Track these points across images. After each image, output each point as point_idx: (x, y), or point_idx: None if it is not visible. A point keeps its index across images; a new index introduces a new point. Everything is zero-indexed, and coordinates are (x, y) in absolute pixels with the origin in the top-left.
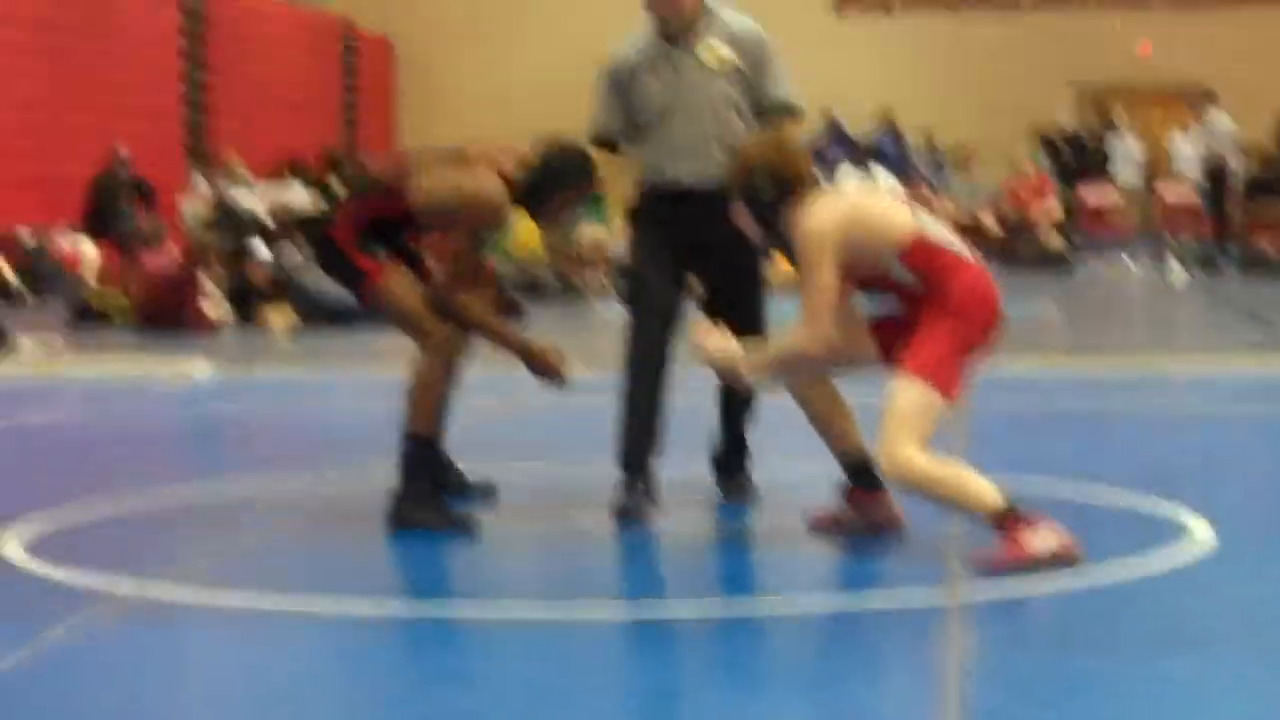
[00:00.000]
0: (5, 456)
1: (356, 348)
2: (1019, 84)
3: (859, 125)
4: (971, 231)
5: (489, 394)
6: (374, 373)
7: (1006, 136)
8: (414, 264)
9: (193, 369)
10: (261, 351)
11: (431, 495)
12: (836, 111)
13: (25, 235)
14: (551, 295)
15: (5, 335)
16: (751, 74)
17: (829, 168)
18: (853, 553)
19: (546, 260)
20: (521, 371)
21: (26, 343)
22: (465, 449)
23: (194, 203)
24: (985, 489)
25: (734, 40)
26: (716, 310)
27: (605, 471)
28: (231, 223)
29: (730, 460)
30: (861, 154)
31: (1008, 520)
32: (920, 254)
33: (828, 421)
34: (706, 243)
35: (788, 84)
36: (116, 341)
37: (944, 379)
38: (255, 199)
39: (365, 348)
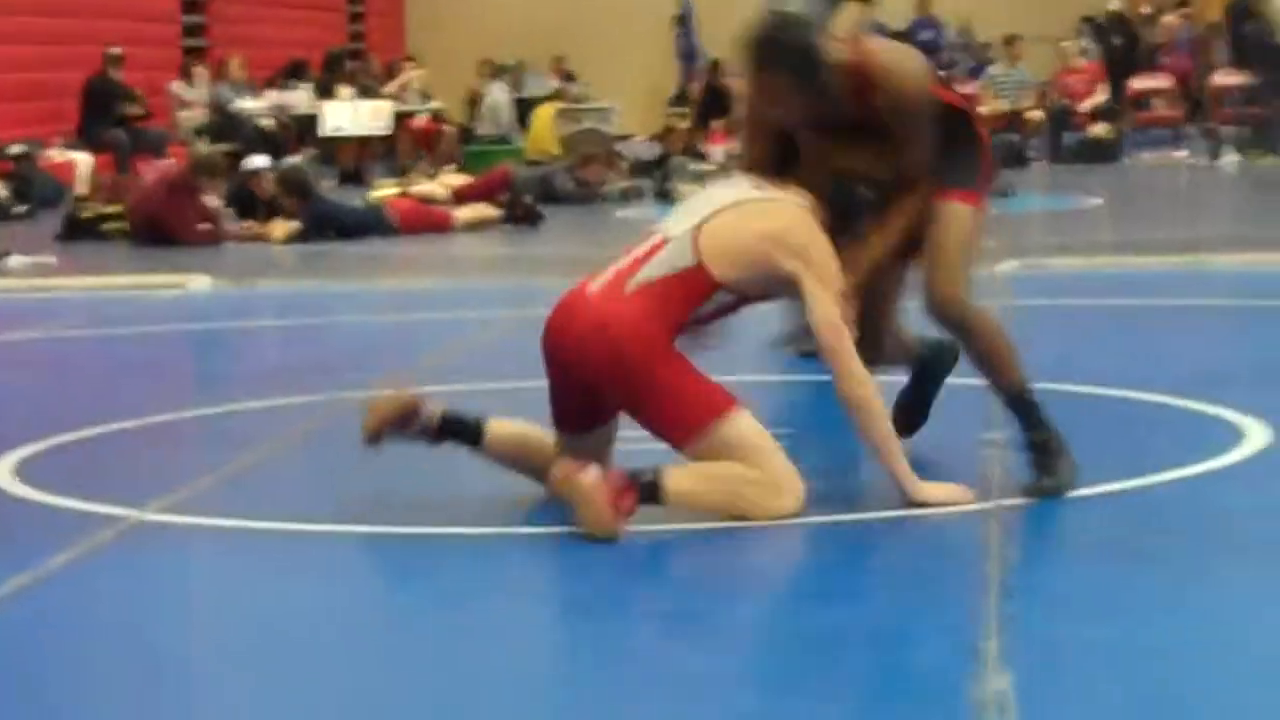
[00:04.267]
0: None
1: (363, 260)
2: None
3: (893, 15)
4: (1014, 123)
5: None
6: (380, 286)
7: (1052, 25)
8: None
9: (191, 282)
10: (263, 264)
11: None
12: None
13: (15, 146)
14: (568, 199)
15: None
16: None
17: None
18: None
19: (564, 161)
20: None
21: (15, 258)
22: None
23: (191, 111)
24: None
25: None
26: None
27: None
28: (233, 130)
29: None
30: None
31: None
32: None
33: None
34: None
35: None
36: (111, 255)
37: None
38: (257, 105)
39: (372, 260)
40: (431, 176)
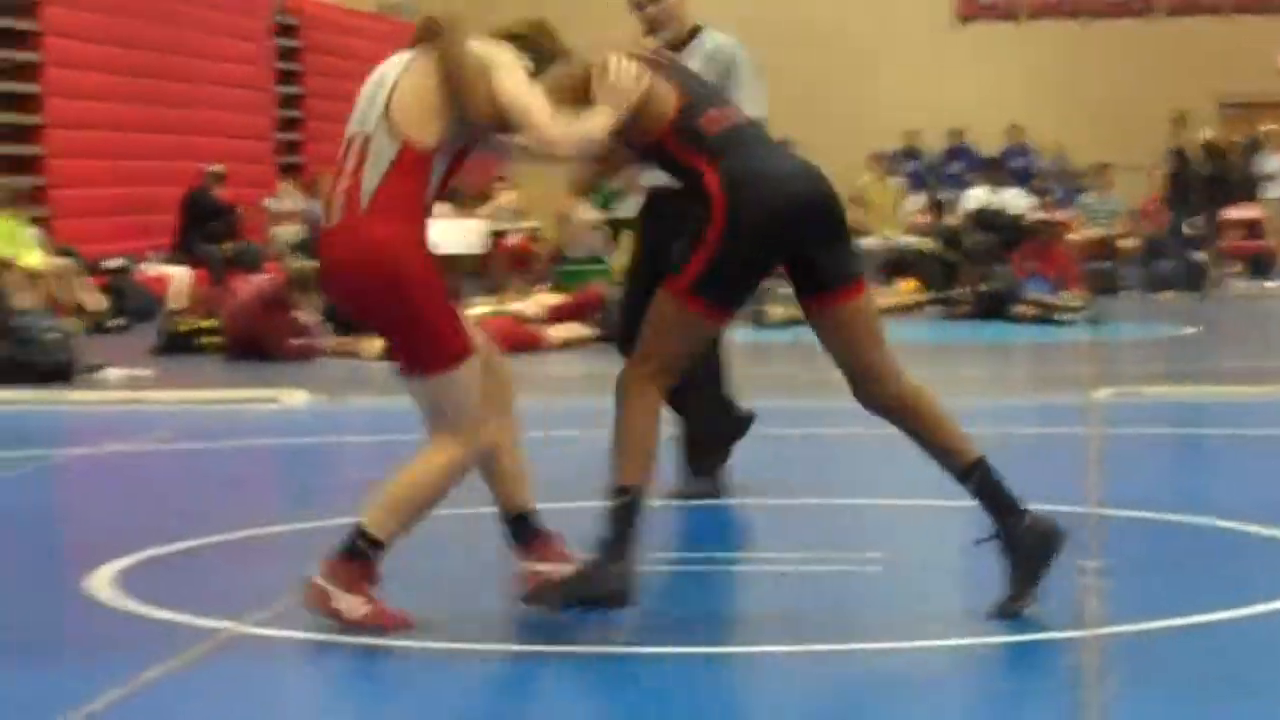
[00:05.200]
0: (95, 489)
1: None
2: (1156, 97)
3: (984, 140)
4: (1107, 251)
5: None
6: None
7: (1143, 151)
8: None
9: (286, 396)
10: (357, 379)
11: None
12: (959, 126)
13: (112, 260)
14: None
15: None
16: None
17: (952, 184)
18: (981, 589)
19: None
20: None
21: (112, 371)
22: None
23: (287, 225)
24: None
25: (708, 57)
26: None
27: None
28: None
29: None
30: (987, 170)
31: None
32: None
33: None
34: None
35: (757, 100)
36: (207, 369)
37: None
38: None
39: None
40: (525, 295)
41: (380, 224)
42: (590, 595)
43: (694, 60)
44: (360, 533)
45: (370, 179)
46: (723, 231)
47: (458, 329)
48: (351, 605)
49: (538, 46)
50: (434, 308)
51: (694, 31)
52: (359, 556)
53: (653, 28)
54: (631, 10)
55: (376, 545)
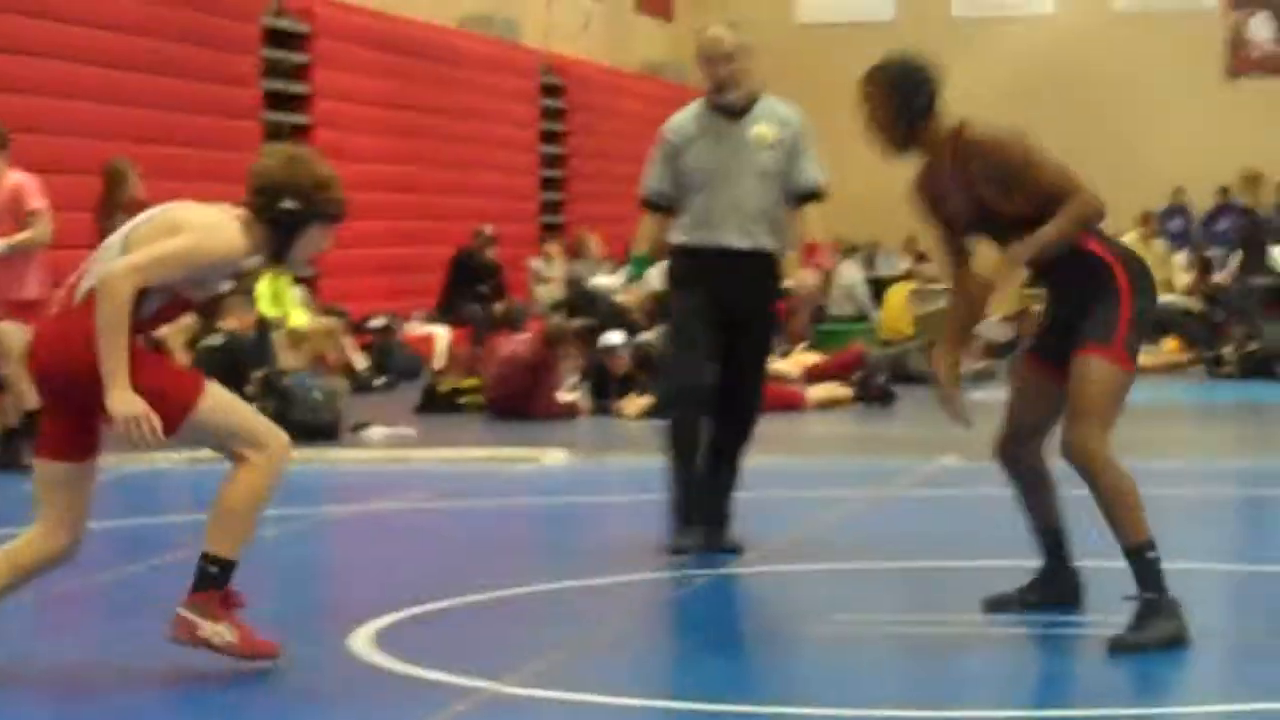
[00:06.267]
0: (355, 546)
1: None
2: None
3: (1262, 197)
4: None
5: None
6: None
7: None
8: None
9: (546, 456)
10: (617, 439)
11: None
12: (1227, 183)
13: (377, 320)
14: (921, 380)
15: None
16: (791, 154)
17: (1221, 242)
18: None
19: (918, 341)
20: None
21: (376, 430)
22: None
23: (549, 286)
24: None
25: (782, 122)
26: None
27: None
28: (587, 307)
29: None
30: (1258, 228)
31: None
32: None
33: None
34: (738, 298)
35: (822, 166)
36: (467, 428)
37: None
38: (613, 282)
39: None
40: (785, 355)
41: (79, 321)
42: (1168, 637)
43: (763, 123)
44: (207, 558)
45: (88, 281)
46: (1133, 293)
47: (176, 374)
48: (217, 631)
49: (274, 206)
50: (138, 373)
51: (753, 97)
52: (212, 582)
53: (721, 87)
54: (702, 65)
55: (224, 566)
